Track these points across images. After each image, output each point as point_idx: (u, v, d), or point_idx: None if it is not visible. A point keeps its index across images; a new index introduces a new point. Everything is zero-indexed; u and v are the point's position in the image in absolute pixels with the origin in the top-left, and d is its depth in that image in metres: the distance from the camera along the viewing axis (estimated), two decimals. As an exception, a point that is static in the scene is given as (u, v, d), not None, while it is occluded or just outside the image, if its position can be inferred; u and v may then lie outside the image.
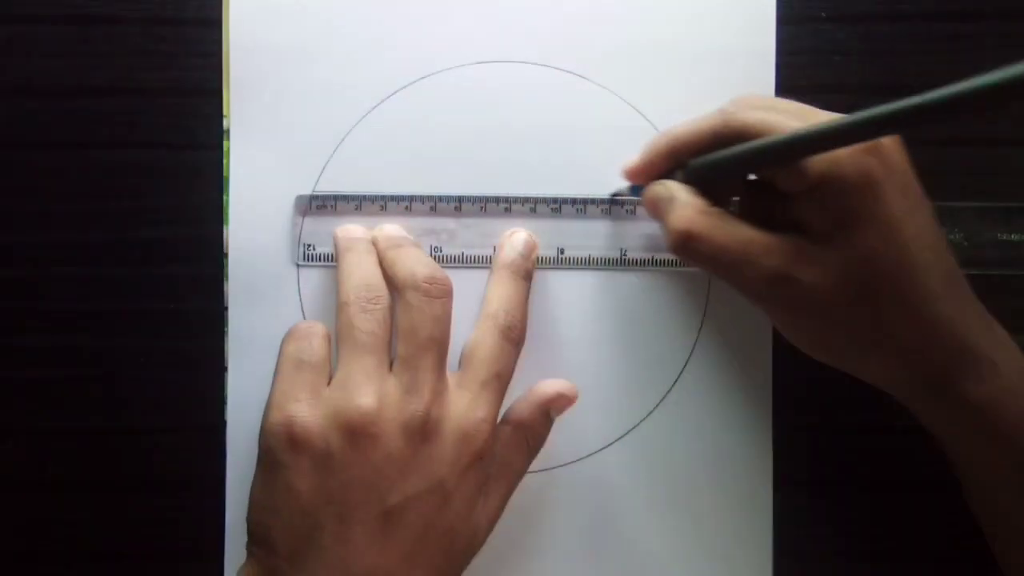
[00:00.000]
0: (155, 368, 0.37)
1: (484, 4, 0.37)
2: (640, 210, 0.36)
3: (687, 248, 0.31)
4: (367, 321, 0.32)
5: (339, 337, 0.32)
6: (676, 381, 0.37)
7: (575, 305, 0.37)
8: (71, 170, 0.37)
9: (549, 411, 0.35)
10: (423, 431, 0.31)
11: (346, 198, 0.37)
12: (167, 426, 0.37)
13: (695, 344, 0.37)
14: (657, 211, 0.33)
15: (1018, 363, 0.31)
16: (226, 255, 0.37)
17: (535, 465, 0.36)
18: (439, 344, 0.32)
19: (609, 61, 0.37)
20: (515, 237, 0.36)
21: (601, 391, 0.37)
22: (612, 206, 0.36)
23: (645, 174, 0.34)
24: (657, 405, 0.37)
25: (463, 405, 0.32)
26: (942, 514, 0.37)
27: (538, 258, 0.36)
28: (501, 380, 0.33)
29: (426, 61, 0.37)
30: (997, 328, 0.32)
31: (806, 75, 0.37)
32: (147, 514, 0.37)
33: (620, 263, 0.37)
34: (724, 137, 0.31)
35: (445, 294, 0.32)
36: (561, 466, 0.37)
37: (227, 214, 0.37)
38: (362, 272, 0.34)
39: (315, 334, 0.33)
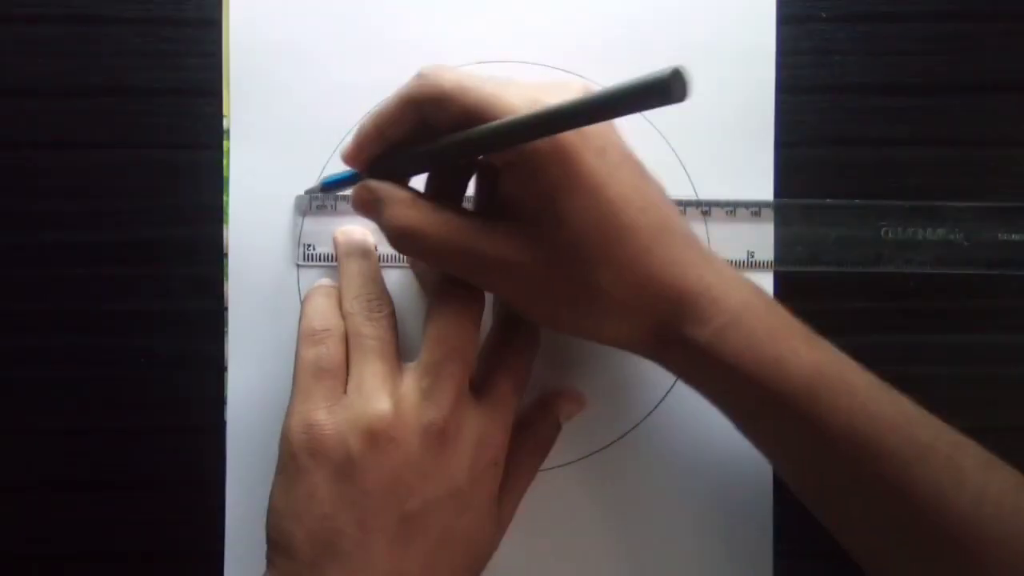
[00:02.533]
0: (155, 368, 0.37)
1: (484, 4, 0.37)
2: None
3: (407, 246, 0.31)
4: (372, 328, 0.32)
5: (349, 344, 0.32)
6: (676, 381, 0.37)
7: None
8: (71, 170, 0.37)
9: (559, 417, 0.35)
10: (442, 437, 0.30)
11: (346, 198, 0.37)
12: (167, 426, 0.37)
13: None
14: (367, 212, 0.32)
15: (741, 294, 0.31)
16: (226, 255, 0.37)
17: (535, 465, 0.36)
18: (465, 353, 0.32)
19: (608, 61, 0.37)
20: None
21: (601, 391, 0.37)
22: None
23: (359, 159, 0.33)
24: (657, 405, 0.37)
25: (480, 411, 0.32)
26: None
27: None
28: (518, 392, 0.33)
29: (426, 61, 0.37)
30: (720, 264, 0.31)
31: (806, 75, 0.37)
32: (147, 514, 0.37)
33: None
34: (420, 102, 0.30)
35: (478, 303, 0.32)
36: (561, 466, 0.37)
37: (227, 214, 0.37)
38: (362, 280, 0.34)
39: (331, 336, 0.32)
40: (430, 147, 0.31)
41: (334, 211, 0.37)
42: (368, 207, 0.32)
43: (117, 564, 0.37)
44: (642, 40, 0.37)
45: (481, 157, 0.32)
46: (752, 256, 0.37)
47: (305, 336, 0.33)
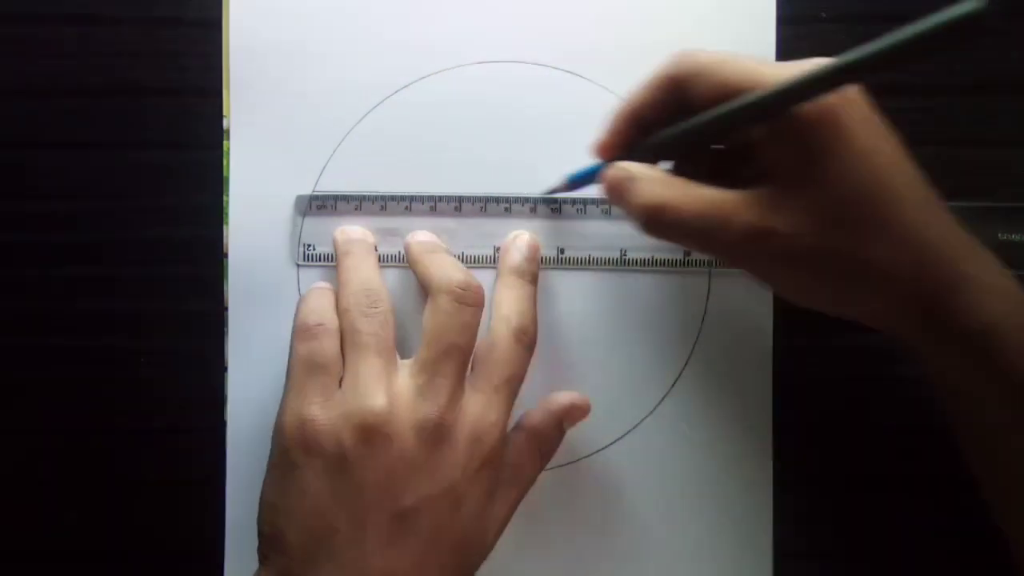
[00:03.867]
0: (155, 368, 0.37)
1: (484, 4, 0.37)
2: None
3: (658, 222, 0.30)
4: (369, 324, 0.32)
5: (344, 341, 0.32)
6: (676, 381, 0.37)
7: (575, 305, 0.37)
8: (71, 170, 0.37)
9: (562, 422, 0.35)
10: (436, 434, 0.31)
11: (346, 198, 0.37)
12: (167, 426, 0.37)
13: (695, 344, 0.37)
14: (618, 193, 0.31)
15: (1010, 287, 0.29)
16: (226, 255, 0.37)
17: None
18: (462, 351, 0.32)
19: (608, 61, 0.37)
20: (519, 240, 0.36)
21: (601, 391, 0.37)
22: (612, 206, 0.36)
23: (613, 147, 0.33)
24: (657, 405, 0.37)
25: (476, 409, 0.32)
26: (942, 514, 0.37)
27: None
28: (513, 384, 0.33)
29: (426, 61, 0.37)
30: (983, 251, 0.30)
31: (806, 75, 0.37)
32: (147, 514, 0.37)
33: (620, 263, 0.37)
34: (679, 78, 0.30)
35: (476, 303, 0.32)
36: (561, 466, 0.37)
37: (227, 214, 0.37)
38: (360, 277, 0.34)
39: (325, 332, 0.33)
40: (694, 122, 0.30)
41: (334, 211, 0.37)
42: (620, 188, 0.31)
43: (117, 564, 0.37)
44: (642, 40, 0.37)
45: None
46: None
47: (299, 331, 0.33)
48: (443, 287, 0.32)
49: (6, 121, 0.37)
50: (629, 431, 0.37)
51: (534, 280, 0.35)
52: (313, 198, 0.37)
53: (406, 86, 0.37)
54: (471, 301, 0.32)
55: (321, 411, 0.31)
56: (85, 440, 0.37)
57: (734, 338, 0.37)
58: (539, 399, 0.35)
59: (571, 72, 0.37)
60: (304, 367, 0.32)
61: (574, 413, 0.35)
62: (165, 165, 0.37)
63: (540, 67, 0.37)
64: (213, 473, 0.37)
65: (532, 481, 0.34)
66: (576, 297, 0.37)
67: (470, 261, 0.37)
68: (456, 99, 0.37)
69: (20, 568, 0.37)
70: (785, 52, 0.37)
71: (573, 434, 0.36)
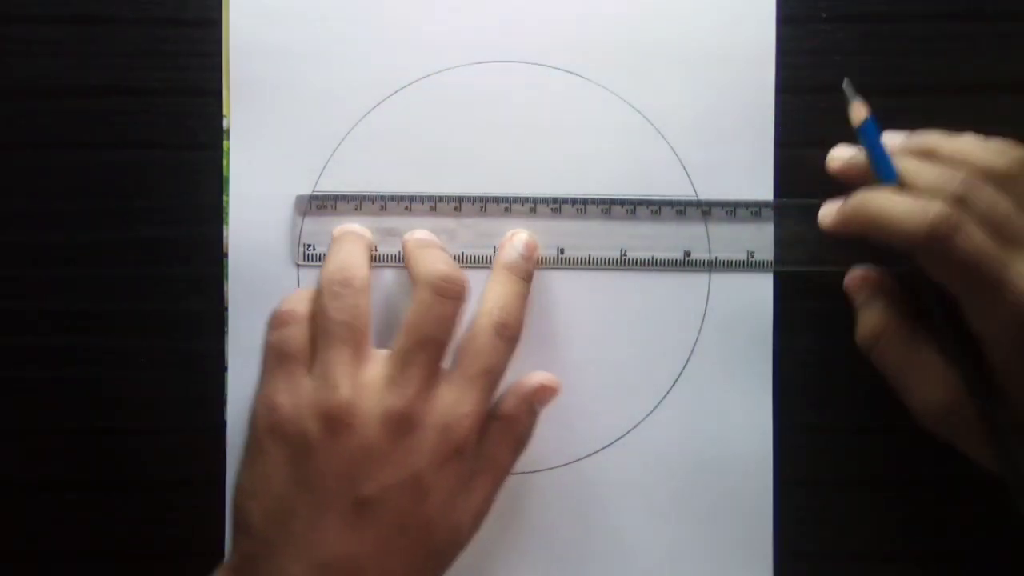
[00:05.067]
0: (155, 368, 0.37)
1: (484, 4, 0.37)
2: (640, 210, 0.36)
3: (869, 355, 0.33)
4: (337, 310, 0.32)
5: (316, 326, 0.33)
6: (676, 381, 0.37)
7: (575, 305, 0.37)
8: (71, 170, 0.37)
9: (534, 404, 0.35)
10: (402, 423, 0.31)
11: (346, 198, 0.37)
12: (167, 426, 0.37)
13: (695, 344, 0.37)
14: (859, 225, 0.33)
15: None
16: (226, 255, 0.37)
17: (536, 464, 0.36)
18: (437, 343, 0.32)
19: (609, 61, 0.37)
20: (516, 238, 0.36)
21: (601, 391, 0.37)
22: (612, 206, 0.36)
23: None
24: (657, 405, 0.37)
25: (448, 399, 0.32)
26: (943, 513, 0.37)
27: (539, 259, 0.36)
28: (490, 376, 0.33)
29: (426, 61, 0.37)
30: None
31: (806, 75, 0.37)
32: (147, 514, 0.37)
33: (620, 263, 0.37)
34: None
35: (457, 296, 0.33)
36: (562, 466, 0.37)
37: (227, 214, 0.37)
38: (340, 257, 0.34)
39: (295, 320, 0.33)
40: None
41: (334, 211, 0.37)
42: (862, 226, 0.32)
43: (117, 564, 0.37)
44: (642, 40, 0.37)
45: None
46: (752, 256, 0.37)
47: (270, 319, 0.34)
48: (424, 279, 0.32)
49: (6, 121, 0.37)
50: (629, 431, 0.37)
51: (527, 277, 0.35)
52: (313, 198, 0.37)
53: (406, 86, 0.37)
54: (451, 294, 0.32)
55: (287, 399, 0.31)
56: (85, 440, 0.37)
57: (734, 338, 0.37)
58: (509, 385, 0.35)
59: (571, 72, 0.37)
60: (273, 355, 0.33)
61: (544, 393, 0.35)
62: (165, 165, 0.37)
63: (540, 67, 0.37)
64: (213, 473, 0.37)
65: (508, 469, 0.34)
66: (576, 297, 0.37)
67: (470, 261, 0.37)
68: (456, 99, 0.37)
69: (20, 567, 0.37)
70: (785, 52, 0.37)
71: (573, 434, 0.36)
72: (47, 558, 0.37)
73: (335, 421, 0.31)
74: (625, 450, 0.37)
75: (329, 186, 0.37)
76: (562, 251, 0.37)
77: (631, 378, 0.37)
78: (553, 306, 0.37)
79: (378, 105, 0.37)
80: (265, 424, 0.32)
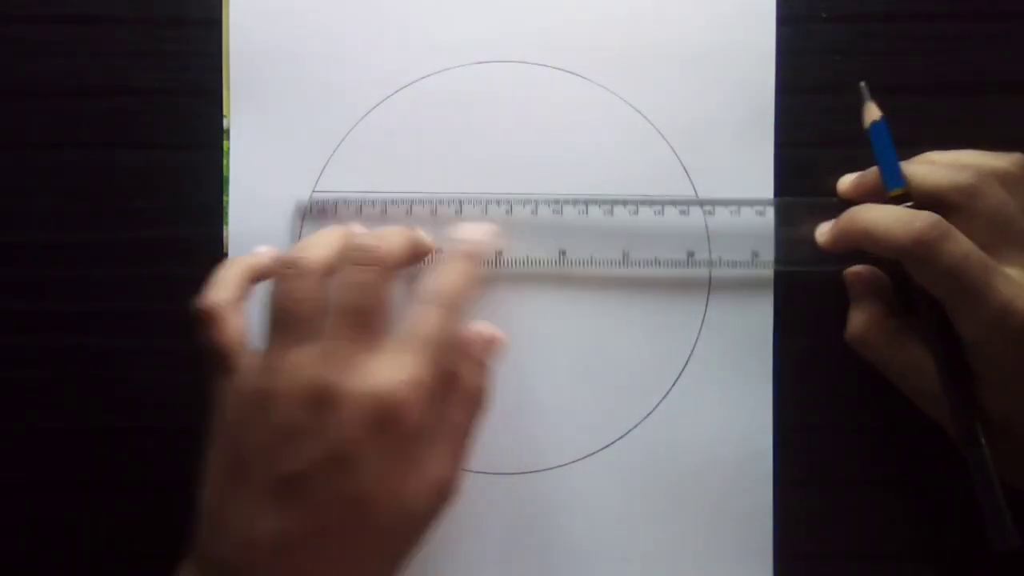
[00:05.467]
0: (155, 368, 0.37)
1: (484, 4, 0.37)
2: (643, 210, 0.36)
3: (858, 349, 0.34)
4: (276, 295, 0.32)
5: None
6: (676, 381, 0.37)
7: (575, 305, 0.37)
8: (71, 170, 0.37)
9: (482, 360, 0.34)
10: (324, 398, 0.30)
11: (347, 201, 0.37)
12: (167, 426, 0.37)
13: (695, 344, 0.37)
14: (847, 240, 0.34)
15: None
16: (226, 255, 0.37)
17: (536, 465, 0.36)
18: (358, 312, 0.31)
19: (609, 61, 0.37)
20: (472, 225, 0.36)
21: (601, 391, 0.37)
22: (614, 207, 0.36)
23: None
24: (657, 405, 0.37)
25: (381, 370, 0.31)
26: (943, 513, 0.37)
27: (539, 260, 0.36)
28: (430, 344, 0.31)
29: (426, 61, 0.37)
30: None
31: (806, 75, 0.37)
32: (147, 514, 0.37)
33: (622, 264, 0.37)
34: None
35: (372, 262, 0.31)
36: (562, 466, 0.37)
37: (227, 214, 0.37)
38: (300, 243, 0.33)
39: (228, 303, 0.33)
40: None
41: (334, 215, 0.37)
42: (849, 239, 0.34)
43: (117, 564, 0.37)
44: (642, 40, 0.37)
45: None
46: (756, 256, 0.37)
47: None
48: (342, 252, 0.32)
49: (6, 121, 0.37)
50: (629, 431, 0.37)
51: (474, 259, 0.34)
52: (313, 199, 0.37)
53: (406, 86, 0.37)
54: (365, 260, 0.31)
55: (234, 379, 0.32)
56: (85, 440, 0.37)
57: (734, 338, 0.37)
58: (458, 346, 0.33)
59: (571, 72, 0.37)
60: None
61: (488, 345, 0.34)
62: (165, 165, 0.37)
63: (540, 67, 0.37)
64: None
65: (468, 432, 0.33)
66: (576, 297, 0.37)
67: None
68: (456, 99, 0.37)
69: (20, 568, 0.37)
70: (785, 52, 0.37)
71: (573, 435, 0.36)
72: (48, 558, 0.37)
73: (258, 399, 0.30)
74: (625, 450, 0.37)
75: (329, 186, 0.37)
76: (563, 253, 0.37)
77: (631, 378, 0.37)
78: (553, 306, 0.37)
79: (378, 105, 0.37)
80: (220, 402, 0.32)
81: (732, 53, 0.37)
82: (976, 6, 0.37)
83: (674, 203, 0.37)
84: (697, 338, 0.37)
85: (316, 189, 0.37)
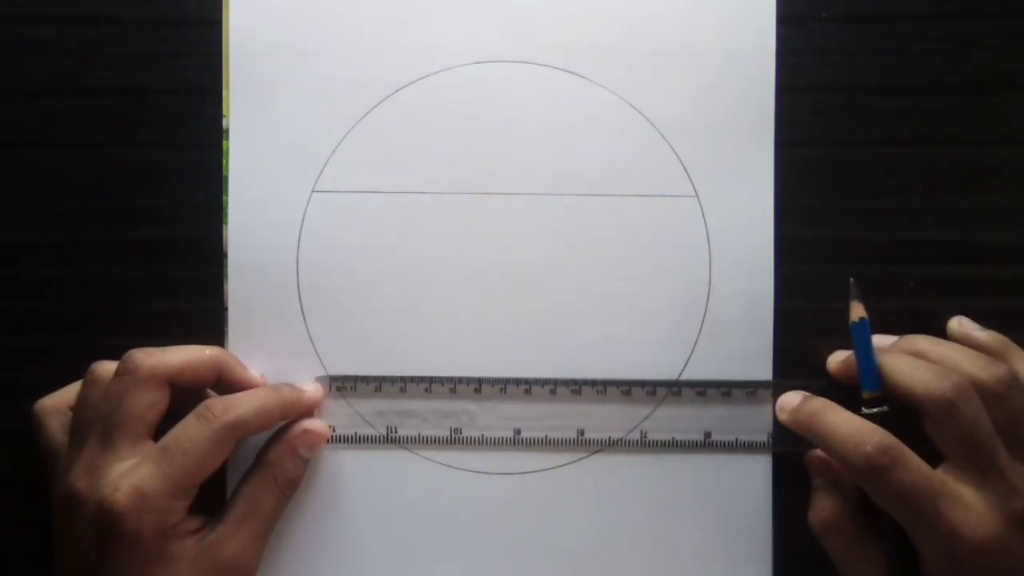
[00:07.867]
0: (155, 368, 0.37)
1: (484, 4, 0.37)
2: (660, 391, 0.36)
3: (819, 539, 0.34)
4: (76, 401, 0.34)
5: None
6: (676, 381, 0.37)
7: (575, 304, 0.37)
8: (71, 170, 0.37)
9: (296, 448, 0.35)
10: (68, 506, 0.32)
11: (366, 378, 0.37)
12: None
13: (695, 344, 0.37)
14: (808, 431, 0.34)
15: None
16: (226, 255, 0.37)
17: (536, 465, 0.36)
18: (104, 420, 0.32)
19: (609, 61, 0.37)
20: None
21: (601, 390, 0.37)
22: (632, 388, 0.36)
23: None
24: (657, 405, 0.37)
25: (109, 476, 0.32)
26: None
27: (556, 440, 0.36)
28: (173, 453, 0.32)
29: (426, 61, 0.37)
30: None
31: (806, 75, 0.37)
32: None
33: (640, 444, 0.37)
34: None
35: (125, 371, 0.33)
36: (562, 466, 0.37)
37: (227, 214, 0.37)
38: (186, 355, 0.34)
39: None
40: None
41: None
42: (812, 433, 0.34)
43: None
44: (642, 40, 0.37)
45: None
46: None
47: None
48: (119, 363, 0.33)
49: (6, 121, 0.37)
50: (629, 431, 0.37)
51: (278, 404, 0.35)
52: (314, 200, 0.37)
53: (406, 86, 0.37)
54: (121, 371, 0.33)
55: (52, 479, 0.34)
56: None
57: (734, 338, 0.37)
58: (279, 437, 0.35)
59: (571, 72, 0.37)
60: None
61: (307, 437, 0.35)
62: (165, 165, 0.37)
63: (540, 67, 0.37)
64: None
65: (274, 511, 0.34)
66: (577, 297, 0.37)
67: (491, 443, 0.36)
68: (456, 99, 0.37)
69: (20, 568, 0.37)
70: (785, 52, 0.37)
71: (573, 435, 0.36)
72: (48, 558, 0.37)
73: (60, 507, 0.33)
74: (625, 450, 0.37)
75: (329, 186, 0.37)
76: (582, 432, 0.36)
77: (631, 377, 0.37)
78: (554, 305, 0.37)
79: (378, 105, 0.37)
80: None
81: (732, 53, 0.37)
82: (976, 6, 0.37)
83: (691, 384, 0.36)
84: (697, 337, 0.37)
85: (316, 189, 0.37)
